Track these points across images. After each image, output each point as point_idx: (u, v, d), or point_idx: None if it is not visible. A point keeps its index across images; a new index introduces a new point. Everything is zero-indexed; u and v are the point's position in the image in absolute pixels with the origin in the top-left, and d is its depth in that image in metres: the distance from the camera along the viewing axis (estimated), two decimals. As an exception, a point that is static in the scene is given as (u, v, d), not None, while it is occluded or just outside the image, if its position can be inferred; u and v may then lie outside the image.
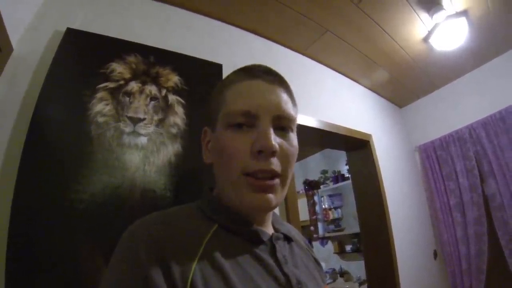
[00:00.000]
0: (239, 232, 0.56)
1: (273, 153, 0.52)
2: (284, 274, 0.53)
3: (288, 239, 0.64)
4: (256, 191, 0.53)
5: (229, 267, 0.48)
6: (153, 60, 1.30)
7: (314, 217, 4.55)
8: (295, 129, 0.61)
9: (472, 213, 2.53)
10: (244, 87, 0.57)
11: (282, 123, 0.56)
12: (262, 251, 0.55)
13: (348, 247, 4.17)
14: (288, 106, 0.58)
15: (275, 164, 0.53)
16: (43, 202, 0.92)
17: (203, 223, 0.54)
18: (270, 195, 0.53)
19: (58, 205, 0.94)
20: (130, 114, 1.15)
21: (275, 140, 0.52)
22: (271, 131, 0.53)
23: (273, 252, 0.56)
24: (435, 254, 2.73)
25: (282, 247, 0.59)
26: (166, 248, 0.45)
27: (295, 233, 0.74)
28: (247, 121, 0.54)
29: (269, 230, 0.62)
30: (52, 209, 0.93)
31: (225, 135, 0.55)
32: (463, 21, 1.98)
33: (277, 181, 0.54)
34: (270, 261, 0.54)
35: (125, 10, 1.42)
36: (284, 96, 0.59)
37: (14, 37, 1.05)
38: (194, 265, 0.45)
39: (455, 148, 2.75)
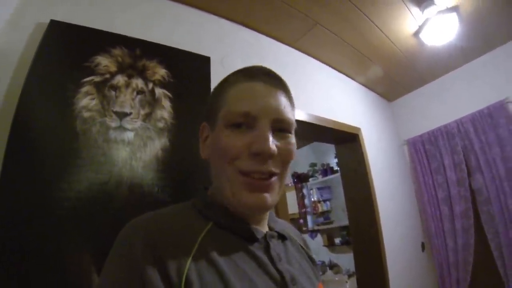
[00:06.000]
0: (234, 229, 0.56)
1: (270, 156, 0.53)
2: (278, 271, 0.54)
3: (282, 237, 0.65)
4: (252, 191, 0.53)
5: (224, 263, 0.48)
6: (139, 52, 1.27)
7: (304, 210, 4.58)
8: (293, 131, 0.62)
9: (460, 206, 2.58)
10: (245, 89, 0.58)
11: (281, 125, 0.57)
12: (256, 249, 0.56)
13: (337, 240, 4.22)
14: (287, 110, 0.59)
15: (272, 165, 0.54)
16: (27, 202, 0.90)
17: (198, 221, 0.55)
18: (266, 194, 0.54)
19: (44, 205, 0.92)
20: (116, 109, 1.12)
21: (273, 143, 0.53)
22: (270, 134, 0.54)
23: (267, 249, 0.57)
24: (423, 246, 2.79)
25: (275, 245, 0.60)
26: (162, 246, 0.46)
27: (291, 231, 0.75)
28: (247, 122, 0.55)
29: (264, 229, 0.63)
30: (37, 209, 0.90)
31: (223, 134, 0.56)
32: (453, 16, 1.99)
33: (274, 179, 0.55)
34: (264, 258, 0.54)
35: (109, 1, 1.38)
36: (283, 99, 0.60)
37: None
38: (189, 261, 0.46)
39: (444, 142, 2.78)
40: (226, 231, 0.56)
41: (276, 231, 0.64)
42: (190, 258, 0.46)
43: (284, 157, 0.56)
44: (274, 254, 0.57)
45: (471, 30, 2.24)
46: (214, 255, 0.49)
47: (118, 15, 1.37)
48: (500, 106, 2.42)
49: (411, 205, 2.93)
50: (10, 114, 0.96)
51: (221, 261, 0.48)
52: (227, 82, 0.63)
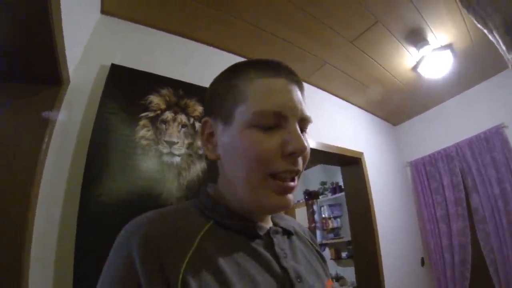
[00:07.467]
0: (235, 227, 0.54)
1: (303, 153, 0.52)
2: (282, 268, 0.52)
3: (288, 233, 0.63)
4: (279, 194, 0.52)
5: (223, 261, 0.47)
6: (182, 92, 1.57)
7: (313, 225, 4.76)
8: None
9: (457, 224, 2.76)
10: (271, 85, 0.54)
11: (304, 124, 0.55)
12: (259, 245, 0.54)
13: (344, 254, 4.38)
14: (306, 107, 0.57)
15: (300, 163, 0.53)
16: (102, 210, 1.17)
17: (198, 220, 0.53)
18: (290, 196, 0.53)
19: (113, 213, 1.20)
20: (166, 139, 1.43)
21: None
22: (300, 132, 0.52)
23: (271, 246, 0.55)
24: (423, 261, 2.95)
25: (280, 241, 0.57)
26: (160, 246, 0.44)
27: (297, 226, 0.73)
28: (277, 122, 0.52)
29: (268, 225, 0.61)
30: (103, 212, 1.18)
31: (250, 135, 0.51)
32: (447, 53, 2.21)
33: (297, 179, 0.54)
34: (267, 255, 0.52)
35: (155, 47, 1.66)
36: (302, 97, 0.58)
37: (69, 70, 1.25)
38: (186, 260, 0.45)
39: (443, 164, 2.99)
40: (227, 229, 0.53)
41: (281, 227, 0.62)
42: (187, 259, 0.45)
43: (305, 156, 0.55)
44: (279, 250, 0.55)
45: (465, 63, 2.46)
46: (213, 253, 0.47)
47: (161, 59, 1.65)
48: (496, 131, 2.62)
49: (412, 222, 3.09)
50: (87, 139, 1.25)
51: (221, 260, 0.47)
52: (243, 75, 0.57)
